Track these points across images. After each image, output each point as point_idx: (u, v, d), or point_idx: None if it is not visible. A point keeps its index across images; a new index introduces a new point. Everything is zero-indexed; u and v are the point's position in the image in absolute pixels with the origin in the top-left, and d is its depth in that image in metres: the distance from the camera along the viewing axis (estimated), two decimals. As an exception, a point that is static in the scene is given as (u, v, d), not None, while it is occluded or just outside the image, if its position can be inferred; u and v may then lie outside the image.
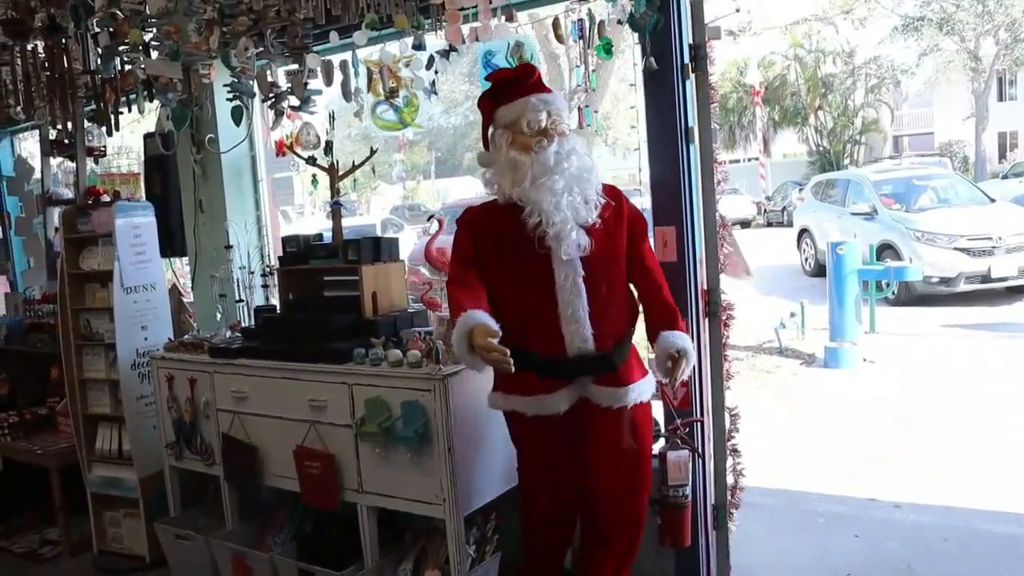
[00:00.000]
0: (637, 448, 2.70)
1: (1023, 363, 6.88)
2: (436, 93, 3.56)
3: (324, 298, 3.59)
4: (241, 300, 4.10)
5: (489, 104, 2.68)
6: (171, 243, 4.54)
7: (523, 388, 2.61)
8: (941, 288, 9.59)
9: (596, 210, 2.56)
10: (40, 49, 4.24)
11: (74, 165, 4.45)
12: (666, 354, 2.59)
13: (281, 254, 3.68)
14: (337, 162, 3.52)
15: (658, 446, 2.96)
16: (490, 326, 2.38)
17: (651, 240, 2.97)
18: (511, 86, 2.64)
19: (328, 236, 3.59)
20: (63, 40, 4.03)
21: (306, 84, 3.67)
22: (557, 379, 2.61)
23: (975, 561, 3.42)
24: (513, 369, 2.36)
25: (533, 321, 2.58)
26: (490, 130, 2.69)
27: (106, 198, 4.21)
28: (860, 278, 7.66)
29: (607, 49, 3.15)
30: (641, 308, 2.74)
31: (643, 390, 2.69)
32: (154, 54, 3.88)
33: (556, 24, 3.13)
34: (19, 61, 4.26)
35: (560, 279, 2.53)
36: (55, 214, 5.08)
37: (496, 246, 2.60)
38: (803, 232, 12.98)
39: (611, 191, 2.67)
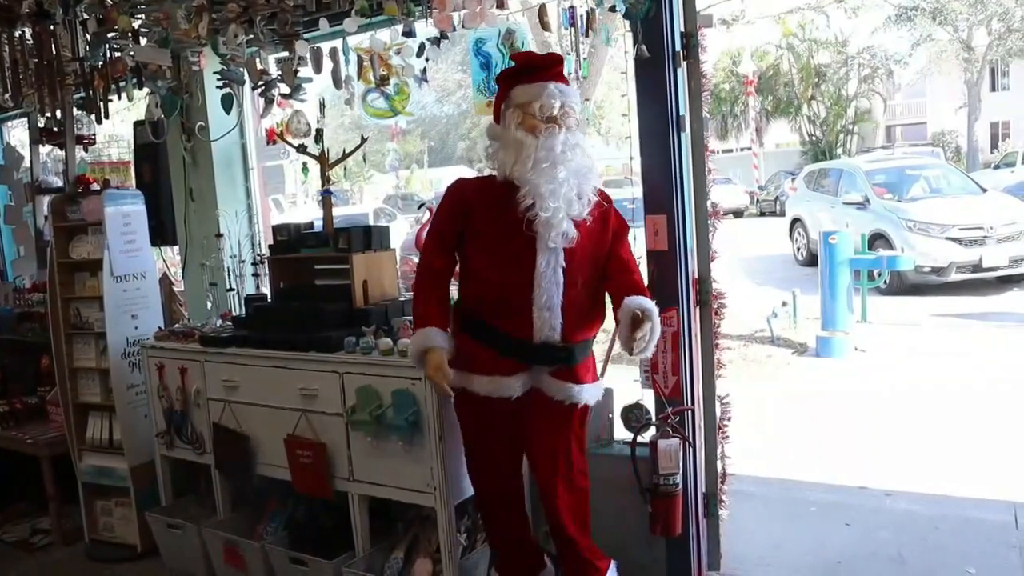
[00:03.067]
0: (575, 448, 2.76)
1: (1013, 352, 6.90)
2: (427, 81, 3.55)
3: (315, 287, 3.58)
4: (232, 289, 4.09)
5: (508, 82, 2.71)
6: (161, 232, 4.52)
7: (481, 367, 2.64)
8: (933, 278, 9.61)
9: (587, 207, 2.59)
10: (28, 36, 4.20)
11: (63, 153, 4.42)
12: (629, 315, 2.55)
13: (272, 243, 3.67)
14: (328, 150, 3.50)
15: (649, 435, 2.97)
16: (445, 366, 2.58)
17: (642, 229, 2.97)
18: (535, 69, 2.67)
19: (319, 225, 3.57)
20: (51, 27, 4.00)
21: (296, 72, 3.65)
22: (517, 363, 2.64)
23: (965, 549, 3.43)
24: (452, 399, 2.65)
25: (506, 301, 2.60)
26: (502, 107, 2.72)
27: (96, 186, 4.19)
28: (852, 267, 7.66)
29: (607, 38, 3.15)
30: (611, 298, 2.74)
31: (594, 393, 2.76)
32: (143, 41, 3.86)
33: (542, 12, 3.12)
34: (6, 48, 4.23)
35: (541, 265, 2.55)
36: (44, 203, 5.05)
37: (483, 220, 2.62)
38: (795, 222, 12.99)
39: (603, 196, 2.70)
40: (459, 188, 2.73)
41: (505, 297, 2.60)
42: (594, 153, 2.76)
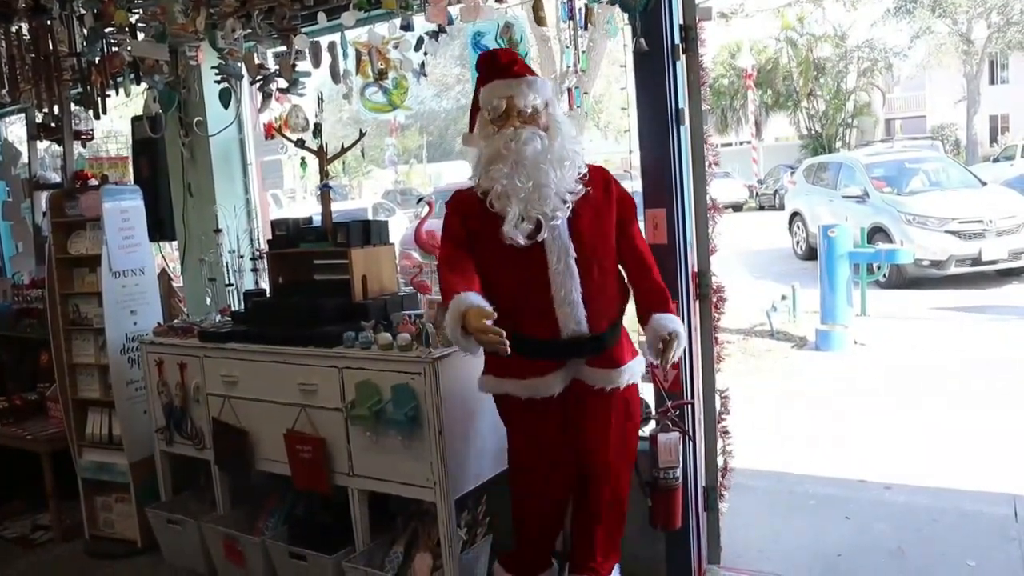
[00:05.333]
0: (628, 427, 2.74)
1: (1012, 345, 6.90)
2: (425, 75, 3.53)
3: (314, 282, 3.58)
4: (231, 284, 4.08)
5: (478, 88, 2.69)
6: (160, 227, 4.52)
7: (516, 371, 2.61)
8: (932, 271, 9.62)
9: (556, 199, 2.50)
10: (25, 31, 4.20)
11: (61, 149, 4.42)
12: (657, 337, 2.58)
13: (271, 238, 3.66)
14: (326, 145, 3.50)
15: (649, 429, 2.96)
16: (484, 308, 2.33)
17: (642, 222, 2.95)
18: (485, 69, 2.65)
19: (318, 220, 3.57)
20: (48, 22, 3.99)
21: (294, 66, 3.64)
22: (550, 362, 2.61)
23: (964, 542, 3.44)
24: (509, 351, 2.31)
25: (525, 304, 2.56)
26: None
27: (94, 182, 4.18)
28: (851, 261, 7.67)
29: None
30: (631, 291, 2.74)
31: (635, 371, 2.70)
32: (140, 36, 3.85)
33: (538, 5, 3.10)
34: (3, 43, 4.22)
35: (553, 262, 2.52)
36: (43, 199, 5.04)
37: (486, 229, 2.57)
38: (795, 215, 12.99)
39: (598, 172, 2.66)
40: (458, 201, 2.69)
41: (524, 301, 2.57)
42: (592, 147, 2.74)
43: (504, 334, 2.28)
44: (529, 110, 2.56)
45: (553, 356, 2.61)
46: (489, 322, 2.30)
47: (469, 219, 2.62)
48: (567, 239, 2.54)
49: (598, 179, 2.64)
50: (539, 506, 2.80)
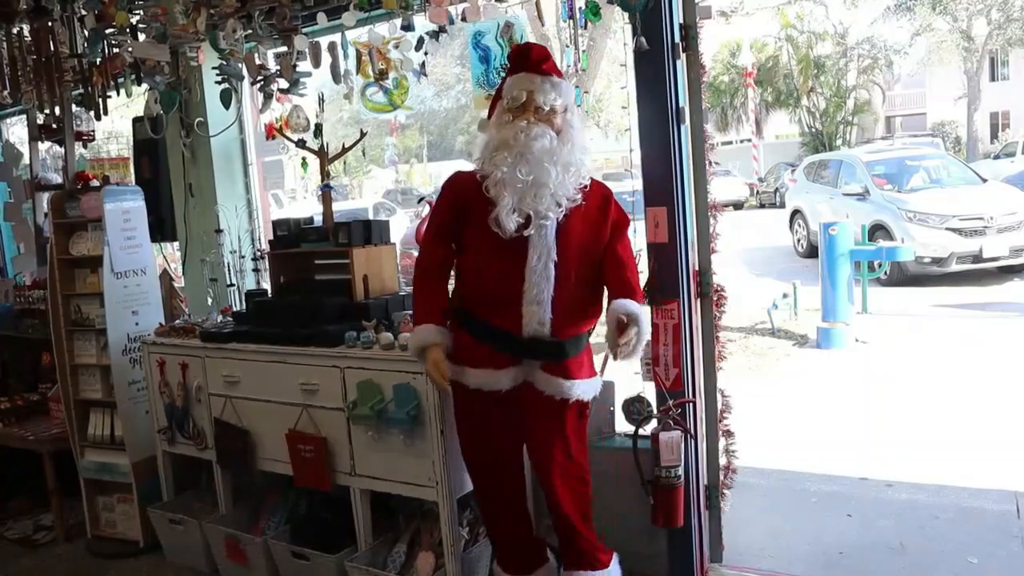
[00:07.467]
0: (571, 441, 2.72)
1: (1013, 342, 6.90)
2: (426, 75, 3.54)
3: (315, 281, 3.58)
4: (232, 284, 4.08)
5: (506, 76, 2.72)
6: (161, 227, 4.53)
7: (472, 360, 2.64)
8: (933, 268, 9.61)
9: (551, 200, 2.51)
10: (26, 32, 4.20)
11: (63, 150, 4.42)
12: (615, 320, 2.51)
13: (272, 238, 3.67)
14: (327, 145, 3.50)
15: (650, 427, 2.97)
16: (442, 363, 2.58)
17: (642, 220, 2.96)
18: (515, 60, 2.68)
19: (319, 220, 3.57)
20: (49, 23, 4.00)
21: (295, 66, 3.64)
22: (506, 356, 2.62)
23: (967, 538, 3.44)
24: (450, 392, 2.70)
25: (496, 294, 2.59)
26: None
27: (95, 183, 4.18)
28: (852, 259, 7.66)
29: (594, 11, 3.10)
30: (607, 296, 2.70)
31: (587, 389, 2.70)
32: (141, 37, 3.85)
33: (538, 4, 3.10)
34: (5, 45, 4.23)
35: (533, 260, 2.54)
36: (44, 199, 5.04)
37: (478, 213, 2.59)
38: (795, 213, 12.99)
39: (600, 189, 2.68)
40: (455, 181, 2.73)
41: (497, 290, 2.59)
42: (592, 146, 2.75)
43: (450, 390, 2.67)
44: (546, 108, 2.58)
45: (510, 351, 2.62)
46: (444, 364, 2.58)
47: (464, 198, 2.65)
48: (552, 241, 2.54)
49: (598, 195, 2.66)
50: (494, 505, 2.83)
